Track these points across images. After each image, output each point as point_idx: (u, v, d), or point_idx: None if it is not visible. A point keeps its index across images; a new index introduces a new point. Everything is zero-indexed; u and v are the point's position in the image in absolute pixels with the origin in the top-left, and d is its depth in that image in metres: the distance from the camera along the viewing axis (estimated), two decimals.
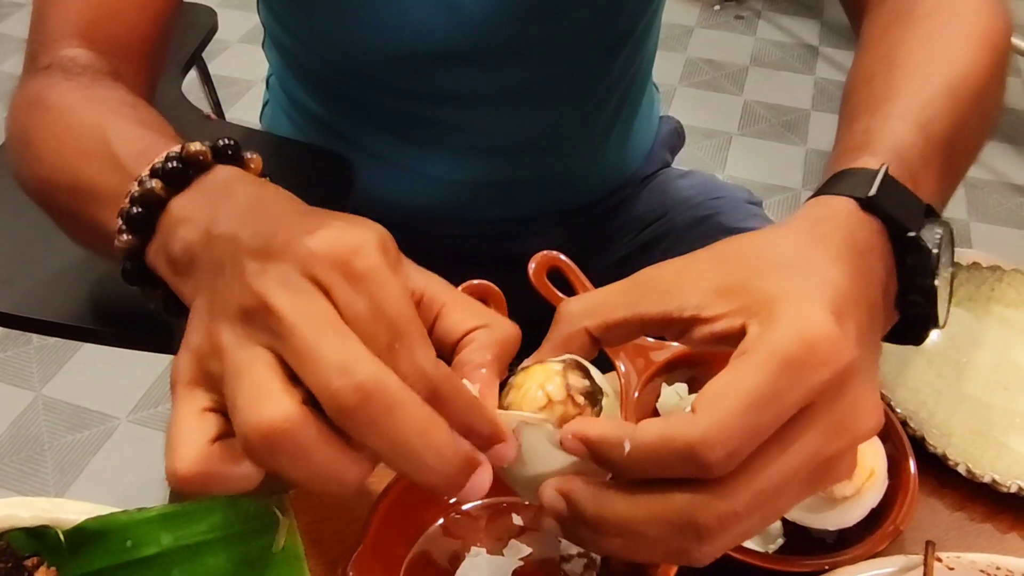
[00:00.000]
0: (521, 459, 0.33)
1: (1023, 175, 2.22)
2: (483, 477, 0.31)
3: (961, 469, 0.51)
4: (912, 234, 0.38)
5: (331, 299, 0.31)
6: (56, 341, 1.66)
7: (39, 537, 0.38)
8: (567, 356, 0.36)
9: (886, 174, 0.39)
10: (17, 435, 1.55)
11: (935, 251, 0.38)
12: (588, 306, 0.37)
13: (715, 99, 2.45)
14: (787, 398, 0.30)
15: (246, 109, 2.24)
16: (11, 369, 1.65)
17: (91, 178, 0.44)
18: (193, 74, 1.31)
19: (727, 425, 0.29)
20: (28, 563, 0.38)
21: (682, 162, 0.94)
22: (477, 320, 0.35)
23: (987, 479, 0.51)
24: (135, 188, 0.39)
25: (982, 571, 0.44)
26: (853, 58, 0.53)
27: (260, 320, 0.31)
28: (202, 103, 1.43)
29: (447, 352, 0.35)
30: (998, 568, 0.44)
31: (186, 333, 0.33)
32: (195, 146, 0.39)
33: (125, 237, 0.39)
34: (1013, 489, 0.50)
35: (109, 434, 1.55)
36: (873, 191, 0.38)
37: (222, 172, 0.40)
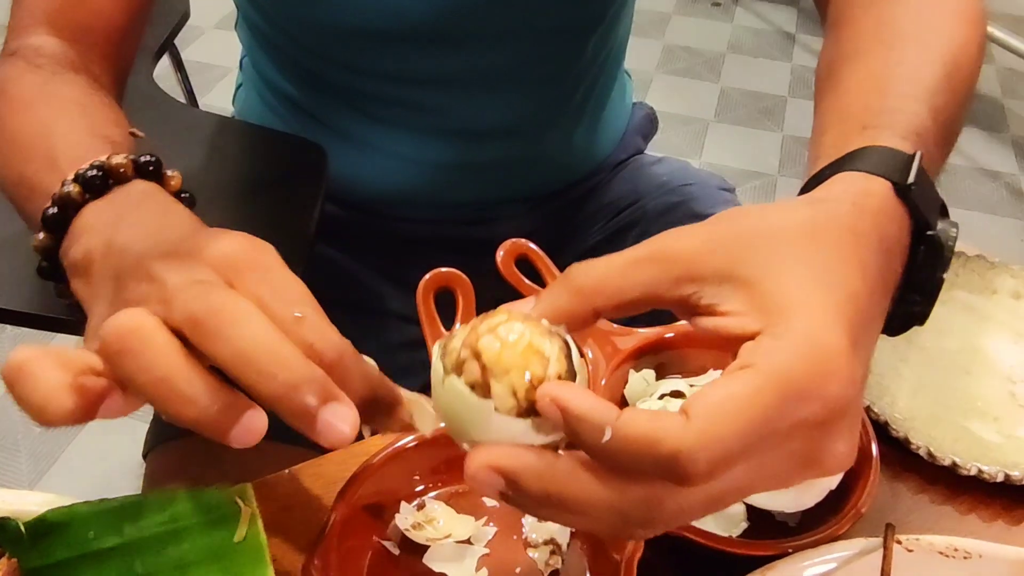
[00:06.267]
0: (465, 419, 0.32)
1: (996, 161, 2.24)
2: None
3: (922, 452, 0.52)
4: (932, 232, 0.38)
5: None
6: (30, 330, 1.64)
7: (0, 528, 0.38)
8: (558, 333, 0.33)
9: (920, 163, 0.38)
10: None
11: (948, 254, 0.37)
12: (599, 281, 0.34)
13: (692, 86, 2.45)
14: (782, 424, 0.29)
15: (222, 95, 2.22)
16: None
17: (32, 175, 0.46)
18: (166, 61, 1.30)
19: (720, 443, 0.28)
20: None
21: (659, 149, 0.94)
22: None
23: (947, 462, 0.52)
24: (58, 189, 0.42)
25: (941, 552, 0.44)
26: (829, 32, 0.52)
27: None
28: (176, 90, 1.42)
29: None
30: (956, 550, 0.44)
31: (84, 339, 0.35)
32: (117, 159, 0.42)
33: (40, 235, 0.42)
34: (973, 472, 0.51)
35: (84, 423, 1.54)
36: (911, 178, 0.37)
37: (138, 186, 0.42)
